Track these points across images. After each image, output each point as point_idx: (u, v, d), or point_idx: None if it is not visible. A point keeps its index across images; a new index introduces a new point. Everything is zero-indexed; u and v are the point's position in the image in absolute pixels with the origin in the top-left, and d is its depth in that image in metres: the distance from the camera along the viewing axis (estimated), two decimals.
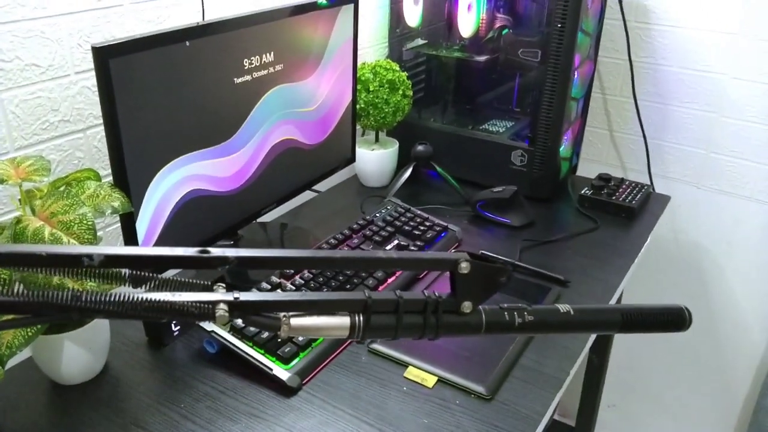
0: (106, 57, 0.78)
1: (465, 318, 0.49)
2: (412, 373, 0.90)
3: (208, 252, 0.42)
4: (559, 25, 1.26)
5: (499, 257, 1.17)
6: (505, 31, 1.47)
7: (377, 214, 1.24)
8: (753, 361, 1.66)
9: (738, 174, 1.52)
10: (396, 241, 1.17)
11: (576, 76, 1.36)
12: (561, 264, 1.20)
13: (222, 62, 0.95)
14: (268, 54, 1.03)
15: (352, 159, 1.35)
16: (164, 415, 0.84)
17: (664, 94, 1.53)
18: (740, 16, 1.40)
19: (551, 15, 1.27)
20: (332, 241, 1.14)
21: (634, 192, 1.41)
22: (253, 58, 1.00)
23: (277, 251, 0.43)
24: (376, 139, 1.48)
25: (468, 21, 1.45)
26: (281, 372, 0.87)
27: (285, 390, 0.87)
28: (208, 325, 0.92)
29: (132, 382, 0.90)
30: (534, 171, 1.40)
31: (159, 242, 0.93)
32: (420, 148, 1.40)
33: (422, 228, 1.22)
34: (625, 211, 1.36)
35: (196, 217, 0.99)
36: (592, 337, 1.06)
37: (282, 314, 0.45)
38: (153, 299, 0.41)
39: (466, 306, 0.48)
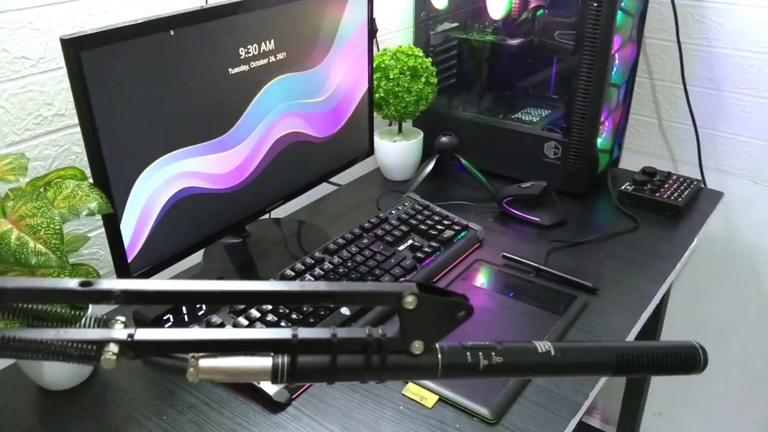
0: (77, 49, 0.73)
1: (416, 359, 0.41)
2: (411, 390, 0.83)
3: (90, 284, 0.35)
4: (596, 4, 1.14)
5: (522, 259, 1.08)
6: (540, 12, 1.35)
7: (392, 212, 1.16)
8: None
9: None
10: (410, 242, 1.09)
11: (616, 60, 1.23)
12: (592, 268, 1.09)
13: (213, 52, 0.89)
14: (267, 42, 0.96)
15: (370, 152, 1.28)
16: (144, 428, 0.79)
17: (717, 80, 1.38)
18: None
19: None
20: (340, 240, 1.07)
21: (682, 188, 1.28)
22: (250, 46, 0.93)
23: (176, 283, 0.36)
24: (399, 130, 1.40)
25: (499, 2, 1.34)
26: (268, 386, 0.81)
27: (272, 405, 0.81)
28: None
29: (118, 389, 0.86)
30: (569, 164, 1.29)
31: (149, 242, 0.89)
32: (444, 139, 1.31)
33: (440, 227, 1.13)
34: (670, 209, 1.23)
35: (190, 216, 0.94)
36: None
37: (190, 355, 0.39)
38: (24, 338, 0.35)
39: (416, 346, 0.41)
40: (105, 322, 0.38)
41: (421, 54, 1.31)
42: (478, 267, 1.08)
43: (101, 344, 0.36)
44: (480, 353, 0.42)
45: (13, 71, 0.89)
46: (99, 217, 0.86)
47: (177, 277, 1.10)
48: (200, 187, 0.94)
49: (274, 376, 0.39)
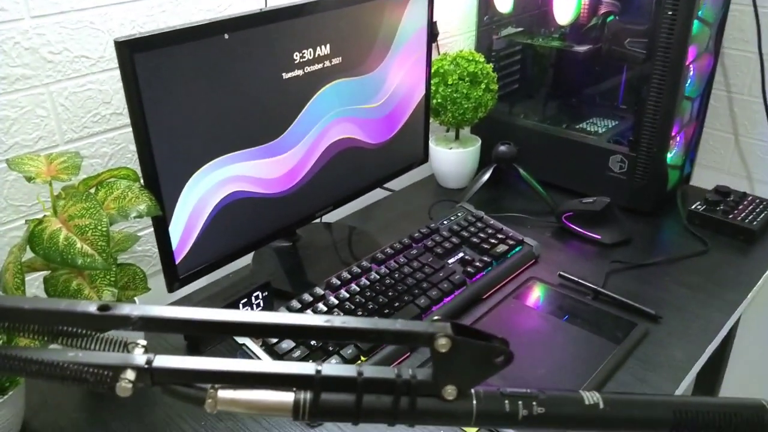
0: (131, 52, 0.73)
1: (449, 405, 0.38)
2: None
3: (108, 308, 0.34)
4: (670, 13, 1.07)
5: (579, 280, 1.02)
6: (610, 18, 1.28)
7: (444, 222, 1.13)
8: None
9: None
10: (461, 254, 1.06)
11: (691, 71, 1.16)
12: (655, 293, 1.02)
13: (267, 57, 0.88)
14: (323, 47, 0.94)
15: (424, 159, 1.24)
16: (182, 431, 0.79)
17: None
18: None
19: (662, 0, 1.08)
20: (389, 250, 1.04)
21: (758, 210, 1.19)
22: (304, 51, 0.92)
23: (195, 311, 0.35)
24: (456, 137, 1.36)
25: (567, 7, 1.28)
26: None
27: None
28: (240, 338, 0.87)
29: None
30: (635, 180, 1.22)
31: (197, 245, 0.89)
32: (502, 148, 1.26)
33: (493, 240, 1.09)
34: (744, 233, 1.15)
35: (239, 220, 0.93)
36: (687, 382, 0.89)
37: (210, 386, 0.37)
38: (44, 360, 0.34)
39: (449, 391, 0.38)
40: (125, 345, 0.37)
41: (482, 60, 1.27)
42: (532, 285, 1.03)
43: (118, 370, 0.35)
44: (520, 402, 0.39)
45: (74, 70, 0.90)
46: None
47: (227, 278, 1.11)
48: (250, 191, 0.93)
49: (296, 412, 0.37)
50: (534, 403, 0.39)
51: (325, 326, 0.35)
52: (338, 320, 0.36)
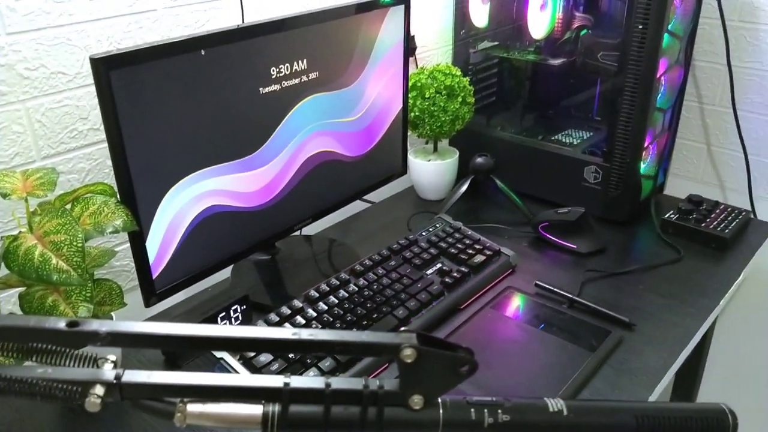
0: (107, 69, 0.73)
1: (416, 414, 0.39)
2: None
3: (77, 325, 0.34)
4: (641, 26, 1.10)
5: (555, 289, 1.04)
6: (583, 32, 1.31)
7: (422, 233, 1.14)
8: None
9: None
10: (439, 265, 1.07)
11: (662, 83, 1.18)
12: (630, 301, 1.04)
13: (244, 72, 0.88)
14: (299, 62, 0.95)
15: (403, 171, 1.26)
16: None
17: None
18: None
19: (632, 15, 1.11)
20: (368, 262, 1.05)
21: (730, 218, 1.21)
22: (281, 66, 0.93)
23: (164, 326, 0.35)
24: (435, 149, 1.37)
25: (541, 21, 1.31)
26: None
27: None
28: (218, 352, 0.87)
29: None
30: (609, 190, 1.25)
31: (174, 259, 0.89)
32: (479, 160, 1.28)
33: (470, 251, 1.10)
34: (716, 240, 1.17)
35: (216, 234, 0.93)
36: (661, 388, 0.90)
37: (179, 400, 0.37)
38: (11, 376, 0.34)
39: (416, 401, 0.38)
40: (94, 361, 0.37)
41: (458, 73, 1.29)
42: (509, 295, 1.04)
43: (87, 385, 0.35)
44: (485, 410, 0.39)
45: (50, 86, 0.90)
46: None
47: (205, 291, 1.11)
48: (228, 205, 0.93)
49: (264, 424, 0.37)
50: (499, 411, 0.39)
51: (292, 339, 0.36)
52: (306, 333, 0.37)
